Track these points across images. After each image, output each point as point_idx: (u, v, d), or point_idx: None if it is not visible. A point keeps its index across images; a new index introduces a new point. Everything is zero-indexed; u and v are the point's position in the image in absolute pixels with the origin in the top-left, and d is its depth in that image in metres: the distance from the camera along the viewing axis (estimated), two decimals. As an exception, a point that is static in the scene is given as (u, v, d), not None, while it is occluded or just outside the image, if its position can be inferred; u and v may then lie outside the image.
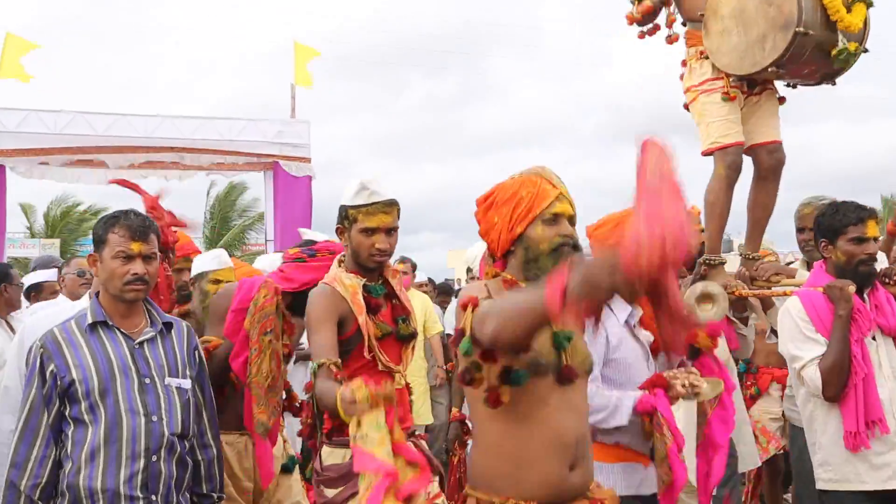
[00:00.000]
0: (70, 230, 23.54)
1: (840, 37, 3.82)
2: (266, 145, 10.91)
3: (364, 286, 2.92)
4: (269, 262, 4.16)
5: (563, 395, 2.14)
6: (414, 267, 7.49)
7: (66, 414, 2.51)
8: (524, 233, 2.20)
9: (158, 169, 10.62)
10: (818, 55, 3.85)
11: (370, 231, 2.89)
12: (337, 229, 3.00)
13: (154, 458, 2.51)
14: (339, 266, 2.97)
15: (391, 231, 2.94)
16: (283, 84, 12.15)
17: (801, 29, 3.70)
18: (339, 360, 2.75)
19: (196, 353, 2.76)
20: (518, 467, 2.12)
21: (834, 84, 4.13)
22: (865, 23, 3.90)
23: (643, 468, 2.84)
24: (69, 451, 2.49)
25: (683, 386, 2.79)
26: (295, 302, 3.28)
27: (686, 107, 4.28)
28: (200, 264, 3.91)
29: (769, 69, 3.87)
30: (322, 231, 3.74)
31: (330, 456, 2.87)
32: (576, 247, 2.22)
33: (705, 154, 4.09)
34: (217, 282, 3.77)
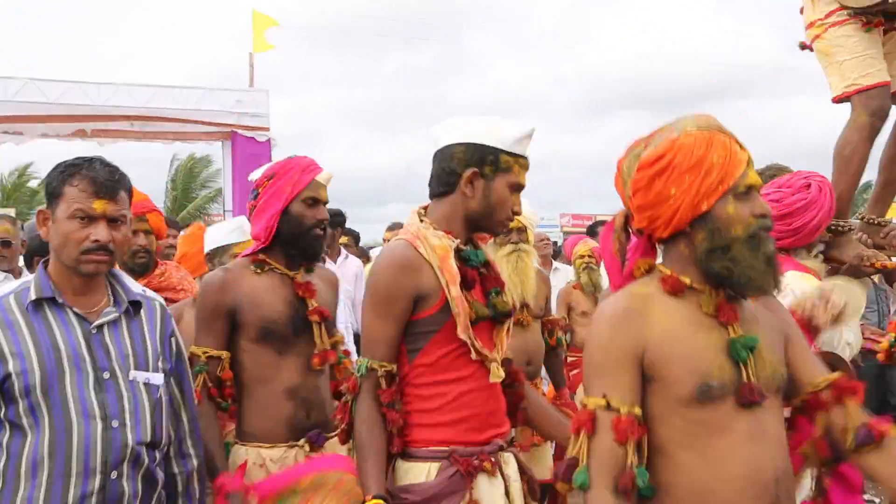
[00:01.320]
0: (25, 201, 23.13)
1: None
2: (224, 115, 10.72)
3: (457, 252, 2.28)
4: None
5: (752, 420, 1.70)
6: (357, 240, 7.47)
7: (1, 416, 1.98)
8: (710, 211, 1.71)
9: (111, 138, 10.41)
10: None
11: (517, 189, 2.30)
12: (472, 174, 2.26)
13: (114, 474, 1.99)
14: (422, 221, 2.32)
15: None
16: (246, 54, 11.95)
17: None
18: (394, 368, 2.22)
19: (173, 340, 2.24)
20: None
21: None
22: None
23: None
24: (1, 465, 1.97)
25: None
26: (291, 247, 2.71)
27: (807, 47, 3.57)
28: (218, 236, 3.41)
29: None
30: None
31: (409, 473, 2.23)
32: (770, 229, 1.75)
33: (839, 100, 3.40)
34: None
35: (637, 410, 1.70)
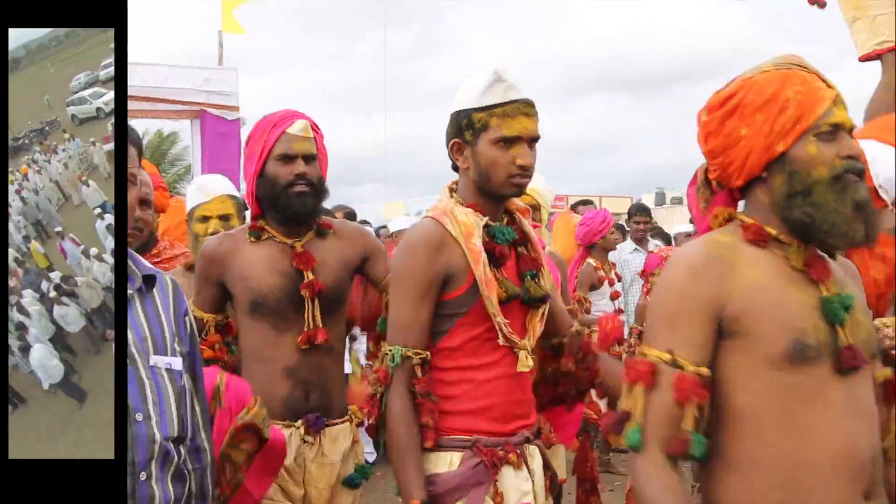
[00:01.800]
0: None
1: None
2: (192, 93, 10.66)
3: (486, 228, 2.13)
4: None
5: (848, 390, 1.52)
6: (353, 216, 7.13)
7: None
8: (787, 152, 1.55)
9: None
10: None
11: (509, 141, 2.09)
12: (453, 145, 2.16)
13: (143, 475, 1.66)
14: (452, 196, 2.18)
15: (533, 142, 2.14)
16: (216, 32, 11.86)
17: None
18: (428, 354, 2.07)
19: (186, 319, 1.89)
20: (792, 495, 1.49)
21: None
22: None
23: None
24: None
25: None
26: (274, 210, 2.53)
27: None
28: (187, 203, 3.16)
29: None
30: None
31: (431, 462, 2.09)
32: (861, 173, 1.57)
33: (867, 58, 3.15)
34: (205, 219, 2.96)
35: (704, 371, 1.52)
